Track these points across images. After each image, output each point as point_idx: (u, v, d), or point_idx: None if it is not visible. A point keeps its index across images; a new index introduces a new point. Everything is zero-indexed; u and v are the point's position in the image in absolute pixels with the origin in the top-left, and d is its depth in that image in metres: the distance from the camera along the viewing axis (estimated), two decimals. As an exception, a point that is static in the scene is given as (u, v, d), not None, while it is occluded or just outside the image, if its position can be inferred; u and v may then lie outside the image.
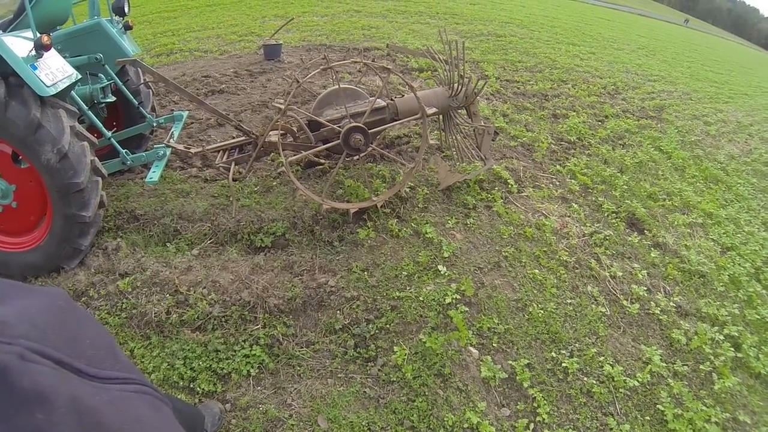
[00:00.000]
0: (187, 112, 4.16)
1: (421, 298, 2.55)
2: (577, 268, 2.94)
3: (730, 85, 11.75)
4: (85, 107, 2.93)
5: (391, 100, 3.17)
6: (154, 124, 3.73)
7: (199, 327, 2.59)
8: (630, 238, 3.39)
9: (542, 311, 2.58)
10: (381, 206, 3.09)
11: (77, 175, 2.56)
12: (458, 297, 2.54)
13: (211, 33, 8.80)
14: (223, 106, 5.37)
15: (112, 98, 3.27)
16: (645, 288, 2.94)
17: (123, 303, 2.70)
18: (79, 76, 2.67)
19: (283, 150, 2.80)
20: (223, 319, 2.59)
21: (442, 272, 2.70)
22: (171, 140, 3.35)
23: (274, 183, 3.68)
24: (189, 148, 3.27)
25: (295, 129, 2.97)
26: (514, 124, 5.06)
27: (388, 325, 2.46)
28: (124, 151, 3.10)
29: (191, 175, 3.90)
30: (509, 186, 3.71)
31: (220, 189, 3.59)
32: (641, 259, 3.24)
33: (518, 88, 6.46)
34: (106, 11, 3.59)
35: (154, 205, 3.48)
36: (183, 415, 1.00)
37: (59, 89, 2.43)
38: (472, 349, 2.34)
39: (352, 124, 2.69)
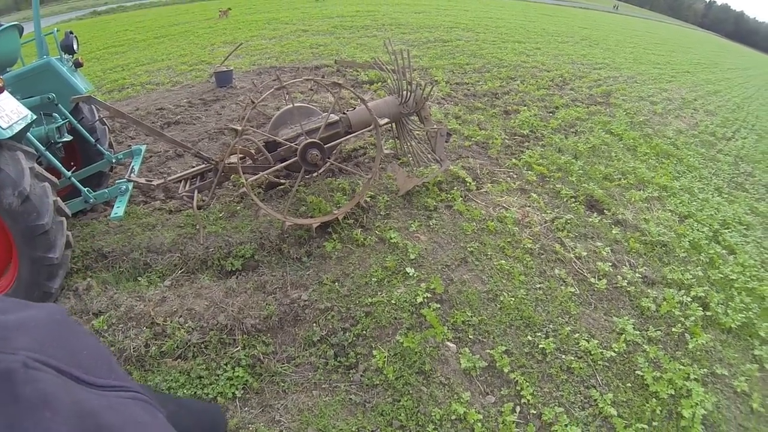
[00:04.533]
0: (144, 146, 4.12)
1: (393, 302, 2.61)
2: (543, 254, 3.07)
3: (672, 65, 12.46)
4: (42, 148, 2.89)
5: (344, 113, 3.25)
6: (113, 161, 3.68)
7: (180, 356, 2.59)
8: (591, 219, 3.56)
9: (513, 299, 2.69)
10: (343, 218, 3.15)
11: (41, 216, 2.52)
12: (429, 296, 2.61)
13: (161, 65, 8.73)
14: (180, 136, 5.34)
15: (68, 137, 3.23)
16: (610, 264, 3.10)
17: (100, 340, 2.68)
18: (35, 117, 2.65)
19: (243, 172, 2.83)
20: (202, 346, 2.59)
21: (410, 274, 2.78)
22: (132, 174, 3.32)
23: (238, 207, 3.69)
24: (150, 181, 3.26)
25: (253, 151, 3.01)
26: (467, 125, 5.23)
27: (364, 332, 2.51)
28: (85, 189, 3.06)
29: (155, 208, 3.86)
30: (467, 184, 3.84)
31: (185, 218, 3.57)
32: (604, 237, 3.41)
33: (468, 90, 6.68)
34: (54, 50, 3.56)
35: (121, 241, 3.44)
36: (201, 414, 1.02)
37: (15, 131, 2.42)
38: (449, 343, 2.41)
39: (308, 141, 2.75)
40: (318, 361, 2.45)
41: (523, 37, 12.06)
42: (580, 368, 2.39)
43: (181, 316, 2.76)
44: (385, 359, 2.34)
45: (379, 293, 2.71)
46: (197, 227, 3.31)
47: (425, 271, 2.83)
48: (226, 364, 2.47)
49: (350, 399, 2.24)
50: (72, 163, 3.81)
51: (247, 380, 2.37)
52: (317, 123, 3.00)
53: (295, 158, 2.82)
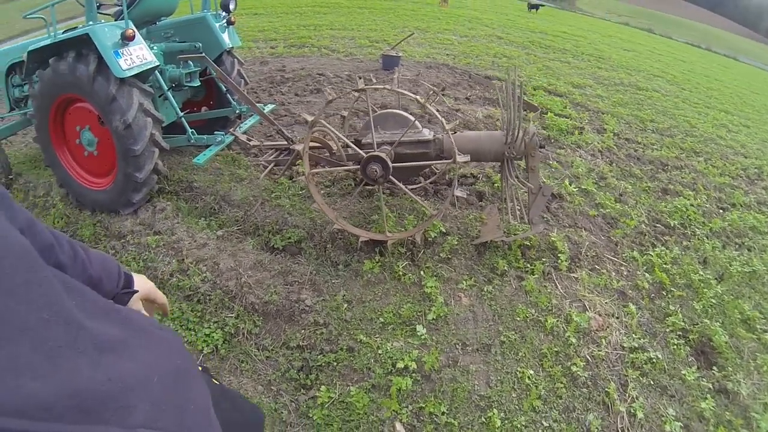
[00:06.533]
0: (273, 105, 4.42)
1: (380, 351, 2.35)
2: (587, 387, 2.40)
3: None
4: (165, 87, 3.31)
5: (439, 135, 2.96)
6: (237, 111, 4.04)
7: (188, 297, 2.82)
8: (685, 372, 2.68)
9: (507, 423, 2.16)
10: (393, 243, 2.91)
11: (136, 143, 3.03)
12: (416, 366, 2.26)
13: (347, 34, 9.31)
14: (318, 106, 5.61)
15: (197, 83, 3.63)
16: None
17: (145, 255, 3.11)
18: (157, 64, 3.07)
19: (310, 162, 2.79)
20: (206, 297, 2.78)
21: (419, 333, 2.45)
22: (237, 129, 3.58)
23: (323, 191, 3.72)
24: (250, 140, 3.46)
25: (331, 144, 2.94)
26: (606, 191, 4.40)
27: (336, 363, 2.36)
28: (190, 131, 3.41)
29: (257, 164, 4.13)
30: (559, 261, 3.22)
31: (268, 183, 3.74)
32: (686, 403, 2.53)
33: (635, 150, 5.62)
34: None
35: (208, 182, 3.78)
36: (244, 414, 1.06)
37: (132, 73, 2.89)
38: (398, 425, 2.06)
39: (373, 153, 2.56)
40: (284, 364, 2.41)
41: (734, 107, 9.72)
42: None
43: (205, 266, 2.96)
44: (328, 400, 2.14)
45: (375, 336, 2.46)
46: (260, 179, 3.45)
47: (435, 339, 2.46)
48: (214, 323, 2.62)
49: (281, 414, 2.17)
50: (211, 103, 4.33)
51: (219, 344, 2.49)
52: (398, 136, 2.78)
53: (356, 167, 2.66)
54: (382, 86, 2.51)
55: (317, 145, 2.96)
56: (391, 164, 2.58)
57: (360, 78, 2.58)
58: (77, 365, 0.42)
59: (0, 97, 4.21)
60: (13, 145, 4.87)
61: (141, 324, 0.59)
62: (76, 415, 0.39)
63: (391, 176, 2.62)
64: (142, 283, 0.90)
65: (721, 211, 4.67)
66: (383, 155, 2.55)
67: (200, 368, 0.81)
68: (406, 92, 2.49)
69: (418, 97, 2.45)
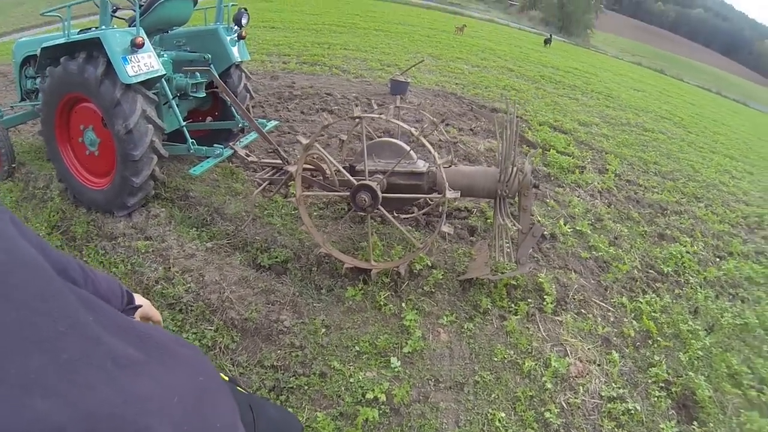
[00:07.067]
0: (276, 122, 4.49)
1: (351, 380, 2.33)
2: (560, 434, 2.37)
3: None
4: (170, 95, 3.37)
5: (432, 169, 2.97)
6: (239, 125, 4.10)
7: (171, 305, 2.83)
8: (665, 424, 2.63)
9: None
10: (378, 272, 2.90)
11: (135, 149, 3.09)
12: (386, 398, 2.24)
13: (360, 55, 9.47)
14: (321, 124, 5.68)
15: (202, 94, 3.69)
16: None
17: (133, 259, 3.13)
18: (164, 73, 3.12)
19: (303, 184, 2.81)
20: (188, 308, 2.79)
21: (392, 365, 2.42)
22: (238, 143, 3.62)
23: (315, 213, 3.74)
24: (248, 155, 3.50)
25: (324, 168, 2.97)
26: (601, 233, 4.39)
27: (308, 386, 2.34)
28: (190, 140, 3.46)
29: (253, 180, 4.17)
30: (545, 303, 3.19)
31: (262, 201, 3.77)
32: None
33: (635, 193, 5.63)
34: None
35: (204, 192, 3.82)
36: (278, 424, 1.04)
37: (138, 79, 2.96)
38: None
39: (363, 182, 2.58)
40: (256, 382, 2.39)
41: (739, 153, 9.72)
42: None
43: (191, 276, 2.97)
44: None
45: (348, 364, 2.44)
46: (252, 196, 3.47)
47: (409, 372, 2.44)
48: (193, 333, 2.62)
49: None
50: (216, 114, 4.40)
51: (193, 357, 2.45)
52: (390, 166, 2.80)
53: (347, 193, 2.68)
54: (378, 115, 2.55)
55: (311, 167, 2.99)
56: (380, 194, 2.59)
57: (357, 105, 2.62)
58: (93, 382, 0.40)
59: (13, 86, 4.31)
60: (20, 134, 4.96)
61: (161, 341, 0.56)
62: None
63: (380, 206, 2.64)
64: (140, 300, 0.91)
65: (717, 259, 4.63)
66: (373, 185, 2.57)
67: (227, 379, 0.78)
68: (400, 123, 2.53)
69: (412, 129, 2.48)
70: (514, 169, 2.87)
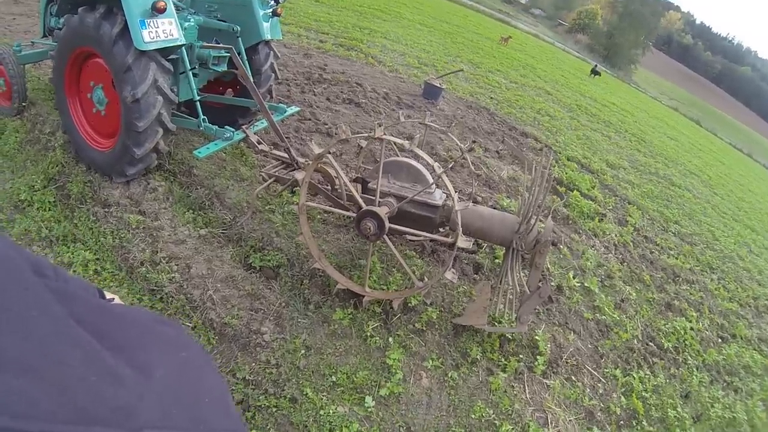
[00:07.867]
0: (296, 108, 4.27)
1: (322, 412, 2.20)
2: None
3: None
4: (188, 66, 3.17)
5: (448, 203, 2.79)
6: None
7: (152, 291, 2.70)
8: None
9: None
10: (370, 300, 2.74)
11: (140, 119, 2.90)
12: (354, 441, 2.10)
13: (399, 48, 9.19)
14: (347, 119, 5.48)
15: (222, 68, 3.49)
16: None
17: (123, 233, 2.97)
18: (183, 43, 2.92)
19: (309, 191, 2.64)
20: (169, 298, 2.66)
21: (366, 405, 2.28)
22: (250, 128, 3.44)
23: (318, 217, 3.57)
24: (260, 143, 3.32)
25: (334, 176, 2.80)
26: (609, 294, 4.20)
27: (276, 409, 2.21)
28: (202, 117, 3.28)
29: (261, 167, 3.98)
30: (536, 362, 3.03)
31: (267, 194, 3.60)
32: None
33: (651, 252, 5.42)
34: None
35: (208, 173, 3.65)
36: None
37: (151, 47, 2.76)
38: None
39: (371, 209, 2.40)
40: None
41: (761, 225, 9.42)
42: None
43: (177, 265, 2.82)
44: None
45: (321, 393, 2.30)
46: (247, 209, 3.30)
47: (381, 415, 2.30)
48: None
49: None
50: (238, 87, 4.19)
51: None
52: (406, 192, 2.62)
53: (353, 215, 2.51)
54: (401, 141, 2.35)
55: (321, 175, 2.82)
56: (387, 224, 2.42)
57: (380, 125, 2.43)
58: (68, 359, 0.39)
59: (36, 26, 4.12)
60: (41, 68, 4.77)
61: (138, 320, 0.56)
62: (70, 413, 0.35)
63: (385, 236, 2.46)
64: (110, 296, 0.89)
65: (719, 340, 4.45)
66: (381, 213, 2.38)
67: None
68: (423, 155, 2.33)
69: (436, 165, 2.30)
70: (536, 224, 2.69)
